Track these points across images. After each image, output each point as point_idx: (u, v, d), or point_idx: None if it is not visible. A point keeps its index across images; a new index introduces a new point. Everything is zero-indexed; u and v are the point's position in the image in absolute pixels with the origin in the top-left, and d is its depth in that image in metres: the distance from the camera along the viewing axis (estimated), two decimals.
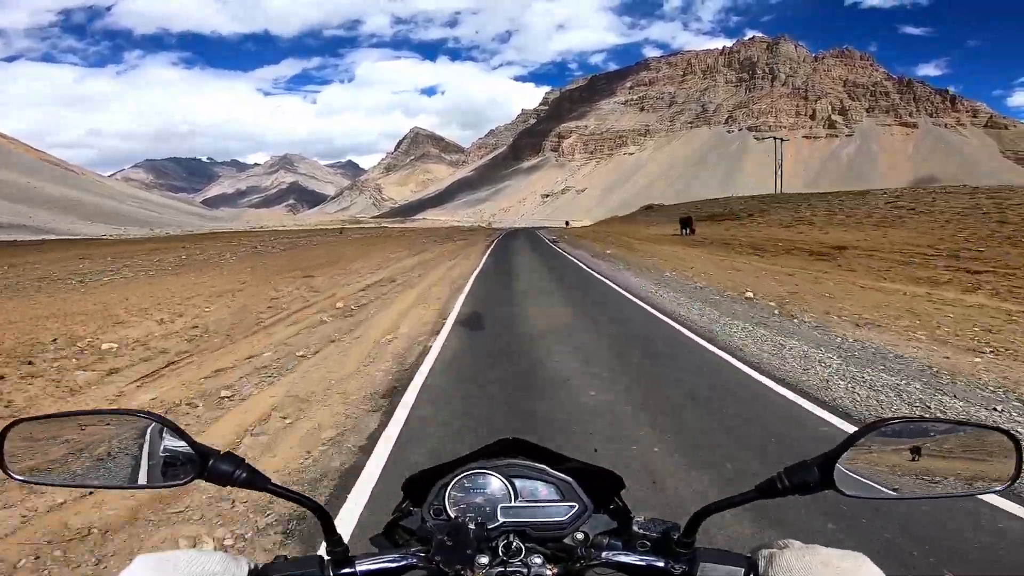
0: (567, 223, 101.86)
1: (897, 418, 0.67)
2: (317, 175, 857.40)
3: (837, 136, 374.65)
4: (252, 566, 0.63)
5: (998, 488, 0.69)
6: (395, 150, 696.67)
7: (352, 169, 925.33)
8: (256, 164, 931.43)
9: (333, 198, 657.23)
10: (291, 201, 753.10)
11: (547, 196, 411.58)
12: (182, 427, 0.69)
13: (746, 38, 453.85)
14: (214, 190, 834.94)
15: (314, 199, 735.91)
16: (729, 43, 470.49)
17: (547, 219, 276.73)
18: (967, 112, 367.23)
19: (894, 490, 0.67)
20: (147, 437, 0.70)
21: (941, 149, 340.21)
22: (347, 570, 0.69)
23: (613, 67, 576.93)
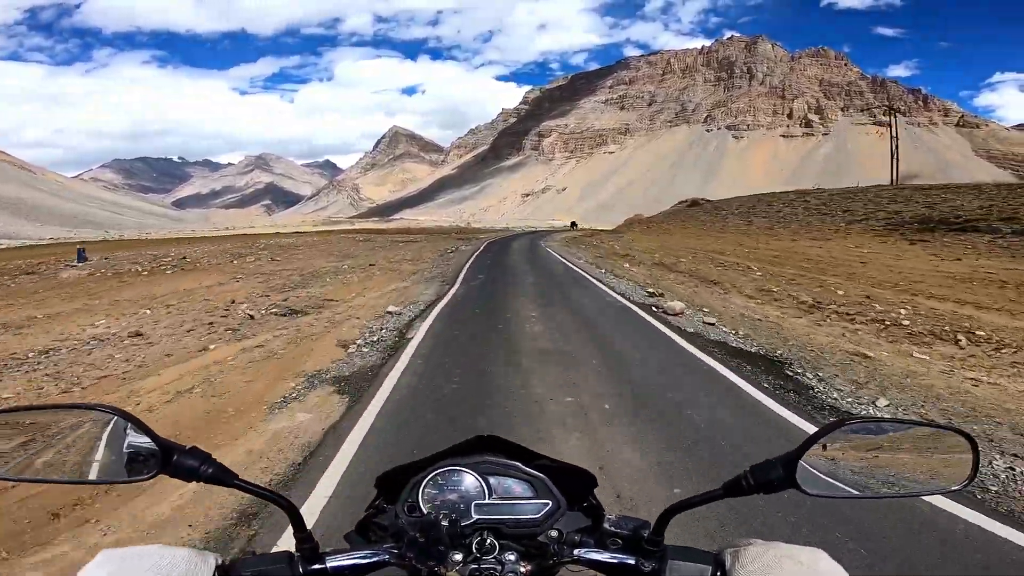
0: (573, 224, 77.03)
1: (858, 418, 0.68)
2: (294, 175, 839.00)
3: (814, 135, 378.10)
4: (219, 562, 0.63)
5: (955, 487, 0.70)
6: (373, 149, 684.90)
7: (330, 169, 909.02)
8: (230, 164, 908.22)
9: (310, 198, 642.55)
10: (267, 201, 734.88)
11: (528, 195, 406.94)
12: (144, 421, 0.68)
13: (725, 38, 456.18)
14: (186, 191, 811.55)
15: (291, 199, 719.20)
16: (708, 43, 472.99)
17: (528, 218, 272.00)
18: (939, 111, 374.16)
19: (855, 489, 0.68)
20: (109, 432, 0.69)
21: (916, 148, 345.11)
22: (317, 566, 0.68)
23: (594, 67, 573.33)
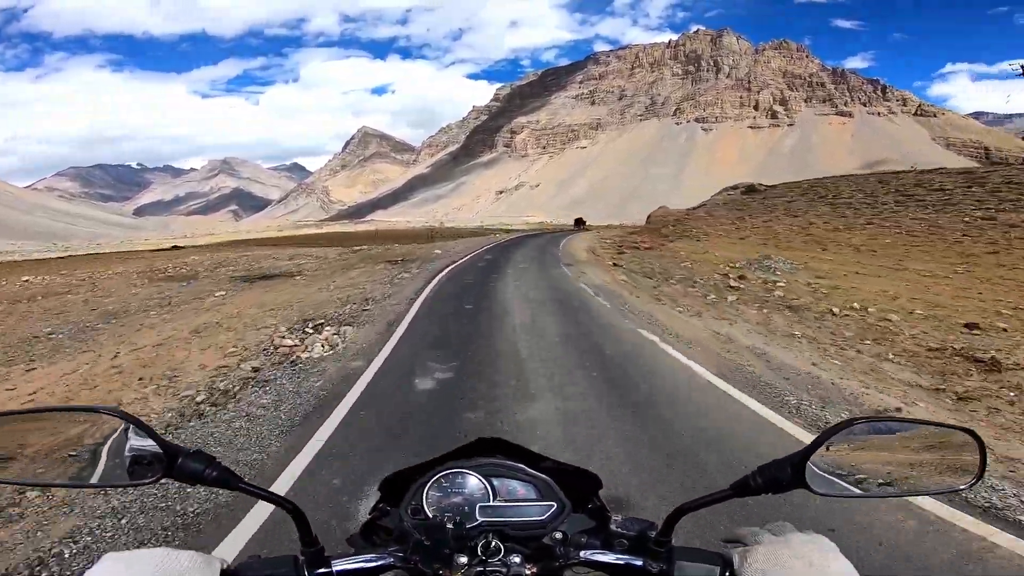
0: (581, 224, 55.12)
1: (865, 418, 0.69)
2: (261, 179, 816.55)
3: (780, 126, 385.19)
4: (224, 566, 0.63)
5: (962, 486, 0.71)
6: (343, 151, 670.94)
7: (298, 172, 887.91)
8: (192, 169, 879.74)
9: (278, 202, 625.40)
10: (233, 207, 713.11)
11: (501, 193, 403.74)
12: (149, 424, 0.67)
13: (691, 31, 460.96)
14: (147, 197, 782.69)
15: (258, 204, 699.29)
16: (675, 36, 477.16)
17: (502, 216, 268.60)
18: (897, 101, 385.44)
19: (863, 488, 0.69)
20: (113, 435, 0.69)
21: (877, 137, 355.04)
22: (323, 570, 0.68)
23: (565, 63, 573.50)
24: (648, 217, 43.41)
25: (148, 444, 0.67)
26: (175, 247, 46.94)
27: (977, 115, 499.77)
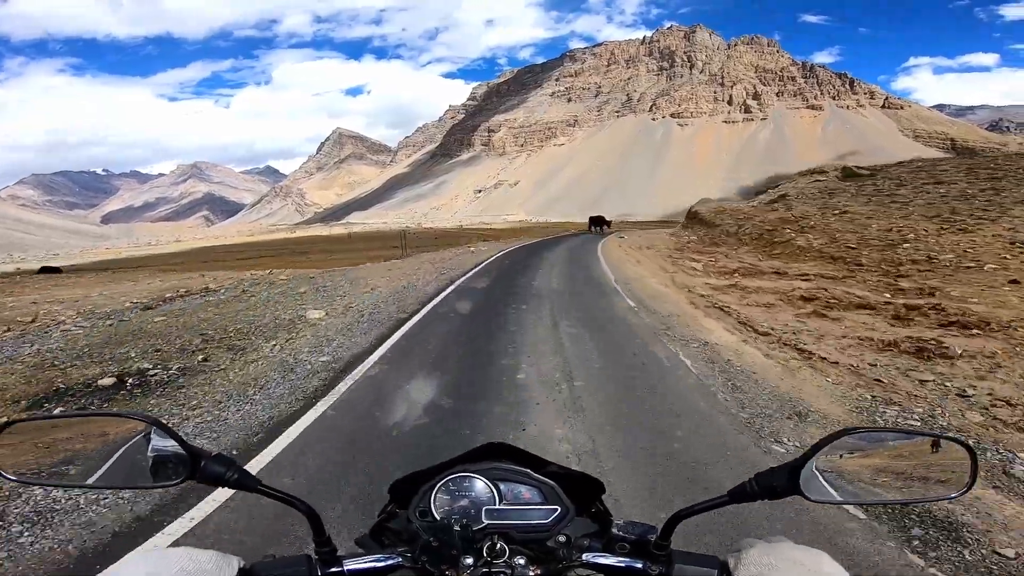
0: (600, 224, 42.24)
1: (860, 428, 0.69)
2: (233, 183, 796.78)
3: (753, 120, 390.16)
4: (242, 565, 0.64)
5: (954, 494, 0.71)
6: (318, 153, 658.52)
7: (272, 175, 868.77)
8: (161, 174, 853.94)
9: (252, 206, 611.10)
10: (205, 212, 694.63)
11: (480, 192, 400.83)
12: (175, 429, 0.67)
13: (665, 27, 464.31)
14: (114, 204, 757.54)
15: (232, 208, 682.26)
16: (650, 33, 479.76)
17: (482, 214, 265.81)
18: (865, 94, 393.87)
19: (857, 496, 0.71)
20: (139, 439, 0.70)
21: (847, 130, 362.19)
22: (335, 569, 0.70)
23: (541, 60, 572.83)
24: (691, 213, 31.95)
25: (172, 447, 0.69)
26: (44, 269, 30.35)
27: (940, 107, 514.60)
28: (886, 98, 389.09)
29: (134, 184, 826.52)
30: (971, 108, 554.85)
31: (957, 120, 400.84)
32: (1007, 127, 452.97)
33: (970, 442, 1.00)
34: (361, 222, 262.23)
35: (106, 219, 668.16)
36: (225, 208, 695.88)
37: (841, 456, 0.70)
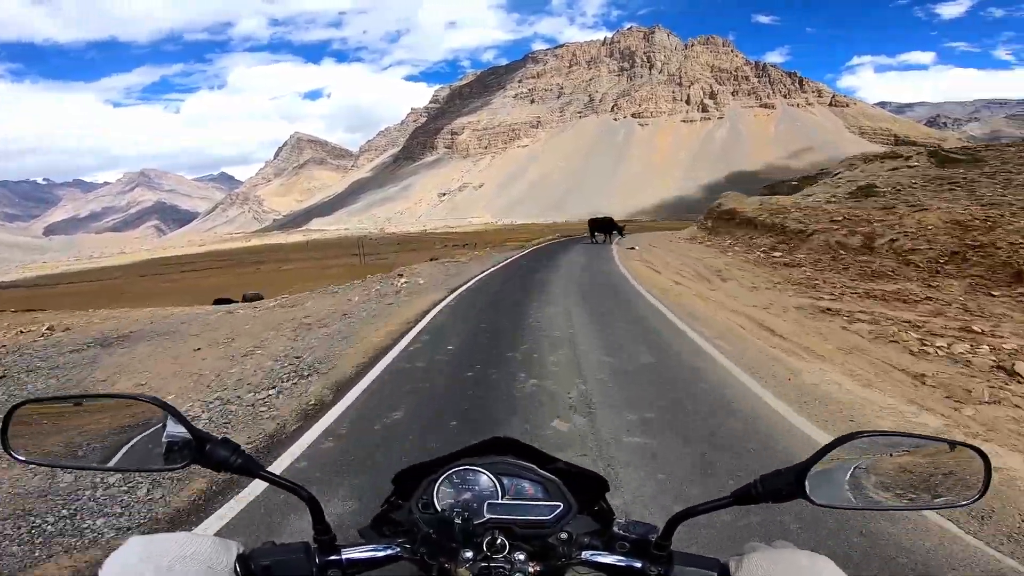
0: (608, 229, 27.68)
1: (869, 432, 0.68)
2: (186, 191, 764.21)
3: (710, 119, 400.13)
4: (240, 550, 0.65)
5: (965, 502, 0.69)
6: (275, 158, 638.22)
7: (227, 182, 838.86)
8: (106, 183, 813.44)
9: (207, 215, 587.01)
10: (155, 221, 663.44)
11: (444, 195, 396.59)
12: (183, 413, 0.68)
13: (625, 28, 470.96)
14: (57, 215, 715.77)
15: (185, 217, 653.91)
16: (610, 34, 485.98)
17: (447, 218, 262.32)
18: (813, 92, 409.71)
19: (864, 500, 0.68)
20: (147, 421, 0.72)
21: (797, 127, 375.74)
22: (333, 557, 0.70)
23: (504, 62, 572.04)
24: (719, 211, 24.45)
25: (179, 431, 0.70)
26: None
27: (882, 104, 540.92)
28: (833, 96, 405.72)
29: (77, 194, 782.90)
30: (910, 105, 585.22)
31: (899, 117, 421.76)
32: (944, 123, 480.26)
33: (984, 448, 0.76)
34: (321, 229, 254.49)
35: (49, 231, 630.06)
36: (177, 217, 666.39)
37: (849, 459, 0.68)
